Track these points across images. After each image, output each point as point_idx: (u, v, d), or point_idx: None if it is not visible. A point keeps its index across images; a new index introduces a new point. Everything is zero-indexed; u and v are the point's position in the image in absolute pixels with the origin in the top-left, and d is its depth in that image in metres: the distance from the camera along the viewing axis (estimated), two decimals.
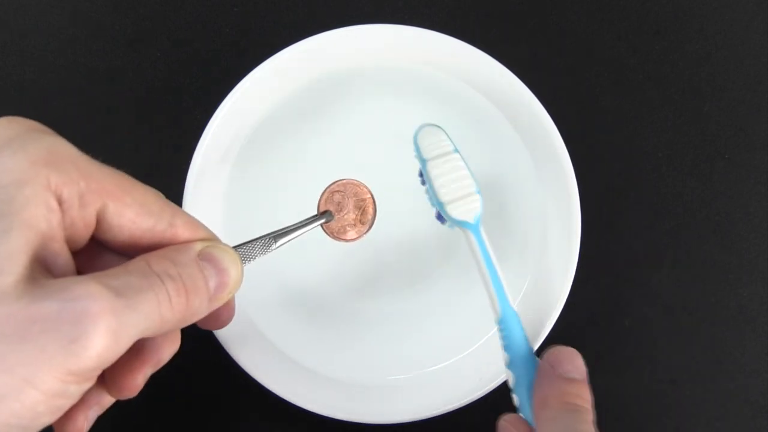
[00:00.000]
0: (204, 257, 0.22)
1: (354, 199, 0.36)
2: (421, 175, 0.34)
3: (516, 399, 0.28)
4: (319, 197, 0.38)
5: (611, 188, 0.40)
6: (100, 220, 0.21)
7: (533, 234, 0.38)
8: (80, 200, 0.20)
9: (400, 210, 0.38)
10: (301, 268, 0.38)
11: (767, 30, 0.42)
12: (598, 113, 0.41)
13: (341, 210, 0.36)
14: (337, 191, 0.36)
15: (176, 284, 0.20)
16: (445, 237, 0.39)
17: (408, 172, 0.38)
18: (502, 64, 0.36)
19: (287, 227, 0.28)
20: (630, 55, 0.41)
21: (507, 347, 0.29)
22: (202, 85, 0.40)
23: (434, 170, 0.32)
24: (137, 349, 0.22)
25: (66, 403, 0.19)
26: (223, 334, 0.35)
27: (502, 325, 0.30)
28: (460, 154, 0.33)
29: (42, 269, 0.19)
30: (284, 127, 0.38)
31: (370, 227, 0.36)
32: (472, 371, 0.36)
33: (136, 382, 0.22)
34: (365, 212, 0.36)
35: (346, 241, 0.37)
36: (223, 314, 0.25)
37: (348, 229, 0.37)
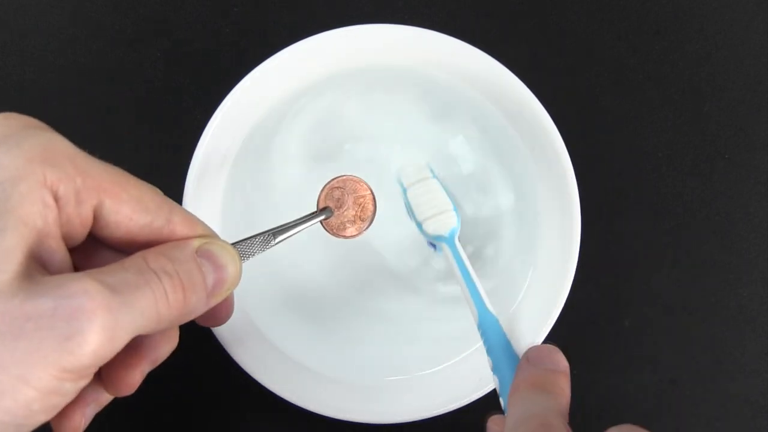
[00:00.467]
0: (202, 254, 0.22)
1: (354, 195, 0.36)
2: (406, 205, 0.35)
3: (503, 402, 0.29)
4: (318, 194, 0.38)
5: (611, 188, 0.40)
6: (96, 217, 0.21)
7: (533, 234, 0.38)
8: (76, 197, 0.20)
9: (400, 208, 0.38)
10: (301, 267, 0.38)
11: (767, 30, 0.42)
12: (598, 113, 0.41)
13: (341, 206, 0.36)
14: (337, 187, 0.36)
15: (173, 281, 0.20)
16: None
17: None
18: (502, 64, 0.36)
19: (286, 224, 0.28)
20: (630, 55, 0.41)
21: (489, 351, 0.30)
22: (202, 85, 0.40)
23: (413, 195, 0.35)
24: (134, 346, 0.22)
25: (62, 401, 0.19)
26: (223, 334, 0.35)
27: (482, 329, 0.30)
28: (439, 180, 0.35)
29: (38, 266, 0.19)
30: (284, 127, 0.38)
31: (370, 224, 0.36)
32: (472, 371, 0.36)
33: (134, 379, 0.22)
34: (365, 209, 0.36)
35: (346, 237, 0.37)
36: (221, 311, 0.25)
37: (348, 225, 0.36)
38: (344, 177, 0.35)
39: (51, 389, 0.18)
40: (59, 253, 0.20)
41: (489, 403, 0.34)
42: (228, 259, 0.22)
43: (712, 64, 0.41)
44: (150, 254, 0.21)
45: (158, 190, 0.22)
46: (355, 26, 0.36)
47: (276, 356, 0.37)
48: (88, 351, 0.18)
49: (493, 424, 0.29)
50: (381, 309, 0.39)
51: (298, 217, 0.30)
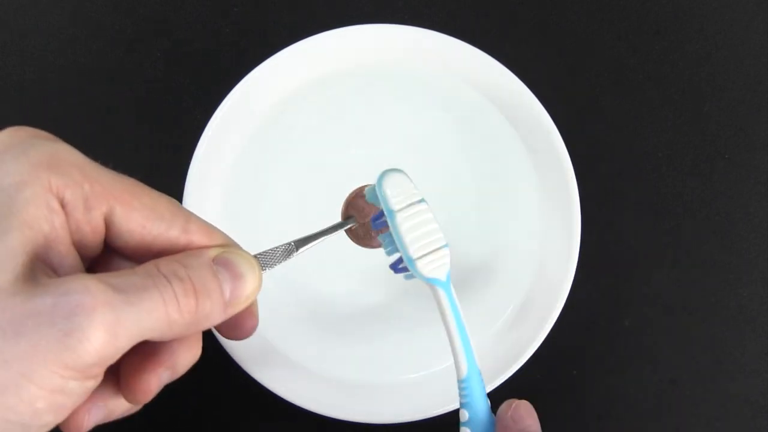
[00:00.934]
0: (219, 262, 0.22)
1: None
2: (375, 219, 0.32)
3: None
4: (320, 198, 0.38)
5: (611, 188, 0.40)
6: (109, 225, 0.21)
7: (533, 234, 0.38)
8: (85, 203, 0.20)
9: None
10: (305, 269, 0.38)
11: (767, 30, 0.42)
12: (598, 113, 0.41)
13: (365, 216, 0.35)
14: (361, 196, 0.36)
15: (184, 285, 0.20)
16: (450, 233, 0.39)
17: (412, 174, 0.38)
18: (502, 64, 0.36)
19: (310, 234, 0.27)
20: (630, 55, 0.41)
21: (467, 405, 0.29)
22: (202, 85, 0.40)
23: (404, 224, 0.30)
24: (150, 351, 0.22)
25: (68, 401, 0.18)
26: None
27: (465, 383, 0.29)
28: (427, 203, 0.31)
29: (47, 270, 0.19)
30: (284, 127, 0.38)
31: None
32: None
33: (149, 385, 0.22)
34: None
35: (372, 247, 0.36)
36: (245, 322, 0.24)
37: (373, 235, 0.36)
38: (369, 186, 0.35)
39: (55, 387, 0.18)
40: (69, 258, 0.20)
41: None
42: (246, 267, 0.22)
43: (712, 64, 0.41)
44: (162, 260, 0.21)
45: (175, 200, 0.22)
46: (355, 26, 0.36)
47: (276, 356, 0.37)
48: (90, 348, 0.18)
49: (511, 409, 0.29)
50: (380, 311, 0.39)
51: (324, 227, 0.29)
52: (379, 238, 0.32)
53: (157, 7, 0.41)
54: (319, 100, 0.38)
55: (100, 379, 0.19)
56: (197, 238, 0.22)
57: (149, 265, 0.20)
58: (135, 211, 0.21)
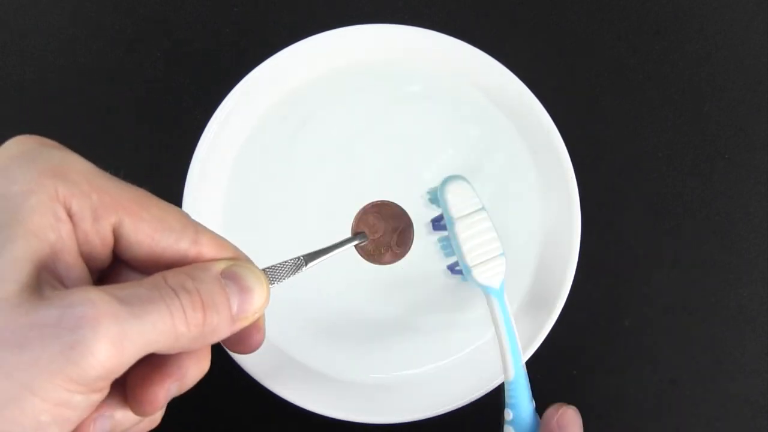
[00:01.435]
0: (227, 275, 0.21)
1: (390, 221, 0.36)
2: (436, 221, 0.33)
3: None
4: (320, 199, 0.38)
5: (611, 188, 0.40)
6: (117, 236, 0.20)
7: (533, 234, 0.38)
8: (93, 213, 0.19)
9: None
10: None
11: (767, 30, 0.42)
12: (598, 113, 0.41)
13: (376, 232, 0.35)
14: (371, 212, 0.36)
15: (192, 298, 0.20)
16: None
17: (412, 176, 0.38)
18: (501, 64, 0.36)
19: (319, 249, 0.27)
20: (630, 55, 0.41)
21: (512, 405, 0.30)
22: (202, 85, 0.40)
23: (463, 231, 0.32)
24: (158, 364, 0.21)
25: (73, 415, 0.18)
26: None
27: (513, 385, 0.31)
28: (486, 211, 0.32)
29: (54, 281, 0.19)
30: (284, 128, 0.38)
31: (408, 250, 0.36)
32: (472, 371, 0.36)
33: (157, 397, 0.21)
34: (403, 235, 0.36)
35: (382, 264, 0.36)
36: (251, 337, 0.24)
37: (384, 251, 0.36)
38: (378, 202, 0.35)
39: (59, 401, 0.17)
40: (76, 269, 0.20)
41: (489, 403, 0.34)
42: (255, 281, 0.22)
43: (712, 64, 0.41)
44: (170, 272, 0.20)
45: (185, 212, 0.22)
46: (355, 26, 0.36)
47: (276, 356, 0.37)
48: (94, 362, 0.17)
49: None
50: (383, 312, 0.39)
51: (333, 242, 0.29)
52: (438, 241, 0.34)
53: (157, 7, 0.41)
54: (319, 100, 0.38)
55: (106, 392, 0.19)
56: (207, 250, 0.22)
57: (156, 277, 0.20)
58: (144, 222, 0.20)
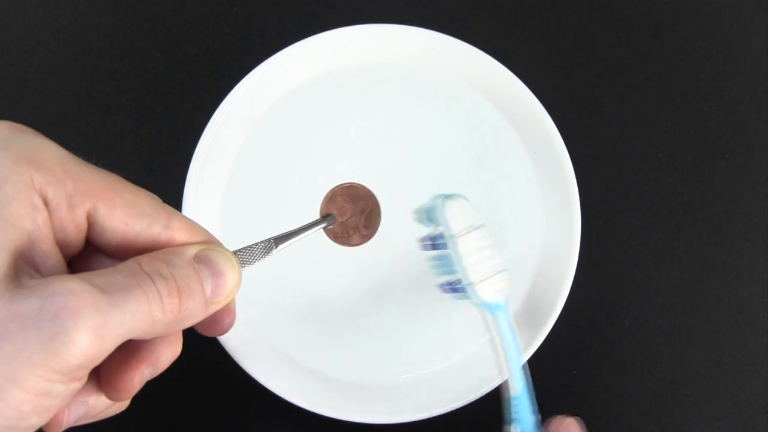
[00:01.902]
0: (200, 260, 0.21)
1: (358, 203, 0.36)
2: (428, 240, 0.32)
3: None
4: (321, 200, 0.38)
5: (611, 188, 0.40)
6: (91, 223, 0.20)
7: (533, 234, 0.38)
8: (68, 201, 0.20)
9: (407, 214, 0.38)
10: (303, 271, 0.38)
11: (767, 30, 0.42)
12: (598, 113, 0.41)
13: (344, 214, 0.35)
14: (339, 194, 0.36)
15: (168, 284, 0.20)
16: None
17: (413, 176, 0.38)
18: (502, 64, 0.36)
19: (289, 231, 0.28)
20: (630, 55, 0.41)
21: (517, 420, 0.30)
22: (202, 85, 0.40)
23: (464, 247, 0.31)
24: (132, 349, 0.22)
25: (54, 404, 0.18)
26: (223, 336, 0.35)
27: (516, 401, 0.30)
28: (486, 228, 0.31)
29: (30, 270, 0.19)
30: (284, 128, 0.38)
31: (375, 232, 0.36)
32: (472, 371, 0.36)
33: (131, 382, 0.22)
34: (370, 217, 0.36)
35: (350, 246, 0.36)
36: (223, 319, 0.24)
37: (352, 233, 0.36)
38: (346, 184, 0.35)
39: (41, 391, 0.17)
40: (52, 257, 0.20)
41: (489, 403, 0.34)
42: (227, 265, 0.22)
43: (712, 64, 0.41)
44: (144, 258, 0.20)
45: (156, 196, 0.22)
46: (355, 26, 0.36)
47: (276, 356, 0.37)
48: (76, 351, 0.17)
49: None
50: (382, 311, 0.39)
51: (301, 224, 0.29)
52: (431, 260, 0.33)
53: (157, 7, 0.41)
54: (319, 100, 0.38)
55: (85, 380, 0.19)
56: (179, 234, 0.22)
57: (132, 263, 0.20)
58: (117, 208, 0.20)
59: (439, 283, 0.33)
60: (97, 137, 0.40)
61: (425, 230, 0.33)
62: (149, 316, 0.19)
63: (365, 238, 0.36)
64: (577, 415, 0.39)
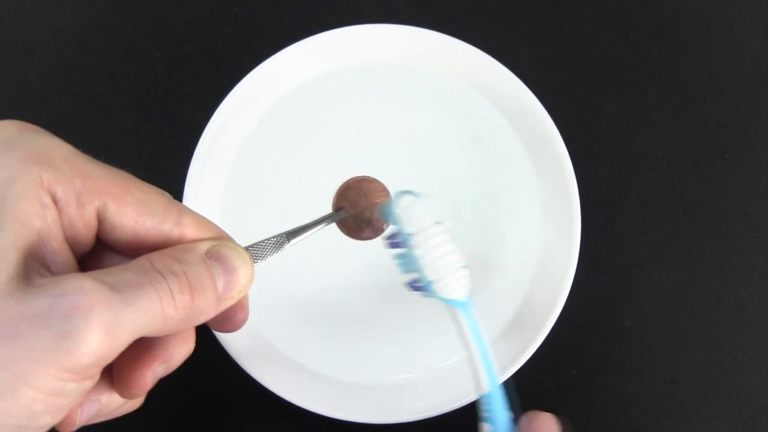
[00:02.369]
0: (212, 256, 0.21)
1: (370, 196, 0.35)
2: (389, 239, 0.32)
3: None
4: (321, 200, 0.38)
5: (611, 188, 0.40)
6: (101, 220, 0.20)
7: (533, 234, 0.38)
8: (77, 199, 0.20)
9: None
10: (303, 271, 0.38)
11: (767, 30, 0.42)
12: (598, 113, 0.41)
13: (357, 207, 0.35)
14: (352, 188, 0.35)
15: (180, 281, 0.20)
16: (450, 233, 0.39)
17: (412, 176, 0.38)
18: (502, 64, 0.36)
19: (300, 226, 0.27)
20: (630, 55, 0.41)
21: (489, 419, 0.29)
22: (202, 85, 0.40)
23: (420, 246, 0.30)
24: (144, 347, 0.22)
25: (66, 403, 0.18)
26: (223, 335, 0.35)
27: (488, 400, 0.29)
28: (443, 224, 0.31)
29: (41, 268, 0.19)
30: (284, 128, 0.38)
31: (388, 225, 0.35)
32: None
33: (144, 380, 0.22)
34: None
35: (363, 239, 0.36)
36: (236, 315, 0.24)
37: (364, 227, 0.36)
38: (358, 177, 0.34)
39: (53, 390, 0.17)
40: (62, 255, 0.20)
41: None
42: (239, 261, 0.22)
43: (712, 64, 0.41)
44: (155, 255, 0.20)
45: (166, 193, 0.22)
46: (355, 26, 0.36)
47: (276, 356, 0.37)
48: (87, 350, 0.17)
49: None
50: (382, 310, 0.39)
51: (309, 220, 0.29)
52: (394, 258, 0.32)
53: (157, 7, 0.41)
54: (319, 100, 0.38)
55: (96, 378, 0.19)
56: (190, 231, 0.22)
57: (143, 261, 0.20)
58: (127, 206, 0.20)
59: (404, 282, 0.32)
60: (97, 137, 0.40)
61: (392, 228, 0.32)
62: (161, 313, 0.19)
63: (377, 232, 0.36)
64: (576, 415, 0.39)
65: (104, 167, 0.21)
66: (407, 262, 0.31)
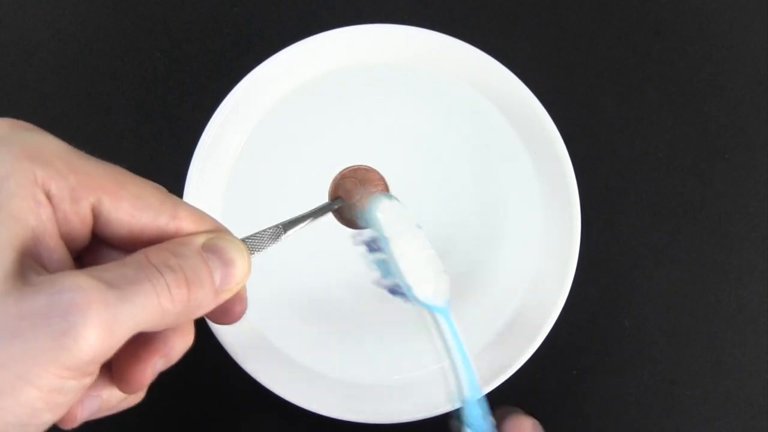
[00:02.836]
0: (208, 249, 0.21)
1: (366, 185, 0.35)
2: (367, 244, 0.32)
3: None
4: (320, 200, 0.38)
5: (611, 188, 0.40)
6: (97, 216, 0.20)
7: (533, 234, 0.38)
8: (72, 195, 0.19)
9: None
10: (302, 269, 0.38)
11: (767, 30, 0.42)
12: (598, 113, 0.41)
13: (353, 196, 0.35)
14: (348, 177, 0.35)
15: (176, 275, 0.20)
16: (450, 233, 0.39)
17: (412, 175, 0.38)
18: (502, 64, 0.36)
19: (296, 216, 0.27)
20: (630, 55, 0.41)
21: (470, 425, 0.29)
22: (202, 85, 0.40)
23: (398, 249, 0.30)
24: (143, 341, 0.21)
25: (66, 400, 0.18)
26: (222, 334, 0.35)
27: (468, 405, 0.29)
28: (422, 229, 0.31)
29: (36, 265, 0.19)
30: (284, 128, 0.38)
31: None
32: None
33: (144, 375, 0.21)
34: None
35: (360, 228, 0.36)
36: (235, 307, 0.24)
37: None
38: (355, 166, 0.34)
39: (53, 388, 0.17)
40: (58, 252, 0.20)
41: (489, 404, 0.34)
42: (236, 253, 0.22)
43: (712, 64, 0.41)
44: (151, 250, 0.20)
45: (161, 187, 0.22)
46: (355, 26, 0.36)
47: (276, 356, 0.37)
48: (86, 347, 0.17)
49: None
50: (381, 309, 0.39)
51: (308, 209, 0.28)
52: (373, 263, 0.32)
53: (157, 7, 0.41)
54: (319, 100, 0.38)
55: (96, 375, 0.19)
56: (186, 224, 0.22)
57: (139, 256, 0.20)
58: (123, 201, 0.20)
59: (383, 286, 0.32)
60: (97, 137, 0.40)
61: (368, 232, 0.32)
62: (158, 308, 0.19)
63: None
64: (576, 415, 0.39)
65: (99, 163, 0.21)
66: (386, 266, 0.31)
